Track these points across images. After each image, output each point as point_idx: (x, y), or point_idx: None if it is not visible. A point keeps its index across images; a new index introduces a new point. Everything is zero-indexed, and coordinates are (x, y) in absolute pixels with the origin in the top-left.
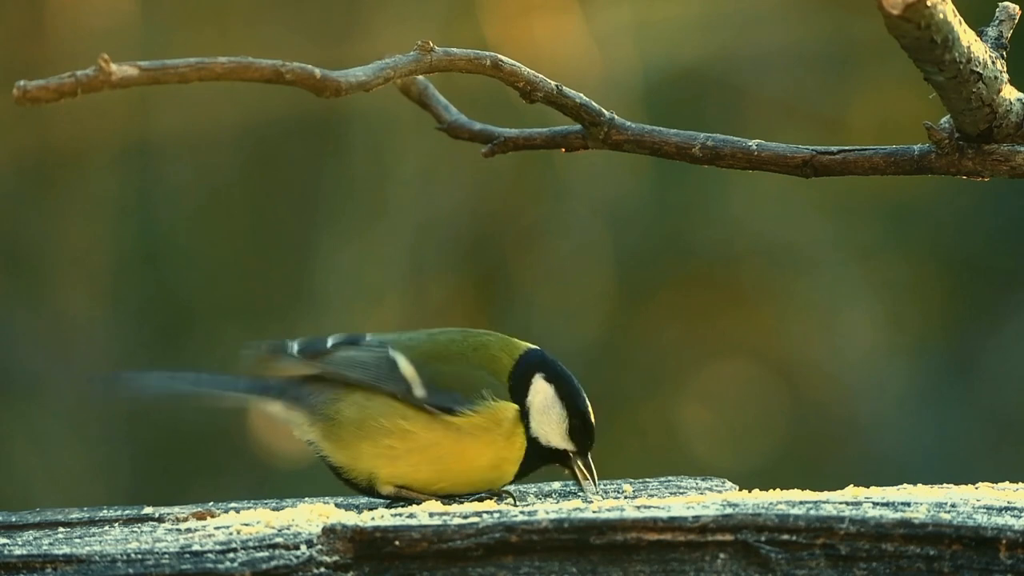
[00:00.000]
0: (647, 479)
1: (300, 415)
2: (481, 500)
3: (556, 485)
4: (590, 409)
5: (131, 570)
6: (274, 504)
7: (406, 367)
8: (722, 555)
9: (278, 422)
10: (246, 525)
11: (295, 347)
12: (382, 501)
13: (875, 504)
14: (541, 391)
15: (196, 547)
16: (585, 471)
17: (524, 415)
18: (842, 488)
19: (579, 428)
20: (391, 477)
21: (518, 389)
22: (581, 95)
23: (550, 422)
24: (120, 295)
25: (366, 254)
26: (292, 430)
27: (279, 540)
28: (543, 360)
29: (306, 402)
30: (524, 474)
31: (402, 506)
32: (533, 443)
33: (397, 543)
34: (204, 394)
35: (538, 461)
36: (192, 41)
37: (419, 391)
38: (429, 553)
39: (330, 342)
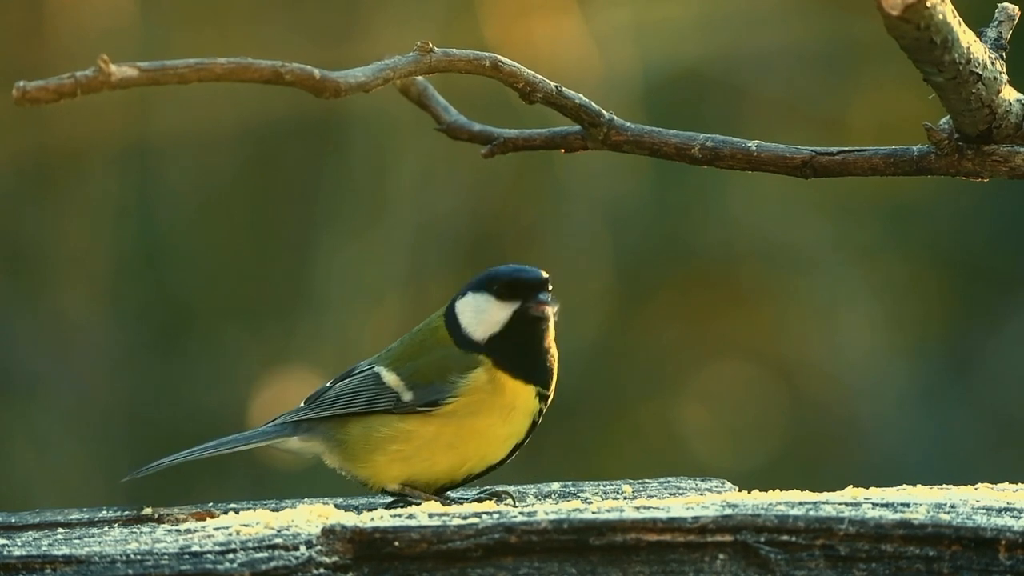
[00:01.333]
0: (647, 480)
1: (318, 446)
2: (480, 501)
3: (556, 486)
4: (509, 267)
5: (130, 571)
6: (274, 505)
7: (388, 377)
8: (722, 556)
9: (302, 456)
10: (245, 526)
11: (302, 403)
12: (382, 501)
13: (875, 505)
14: (464, 308)
15: (195, 548)
16: (537, 305)
17: (472, 344)
18: (842, 488)
19: (503, 289)
20: (410, 476)
21: (457, 334)
22: (580, 96)
23: (484, 314)
24: (120, 295)
25: (366, 254)
26: (323, 459)
27: (278, 541)
28: (453, 299)
29: (317, 433)
30: (536, 365)
31: (402, 506)
32: (497, 343)
33: (396, 544)
34: (228, 447)
35: (522, 345)
36: (192, 41)
37: (406, 396)
38: (428, 554)
39: (329, 383)
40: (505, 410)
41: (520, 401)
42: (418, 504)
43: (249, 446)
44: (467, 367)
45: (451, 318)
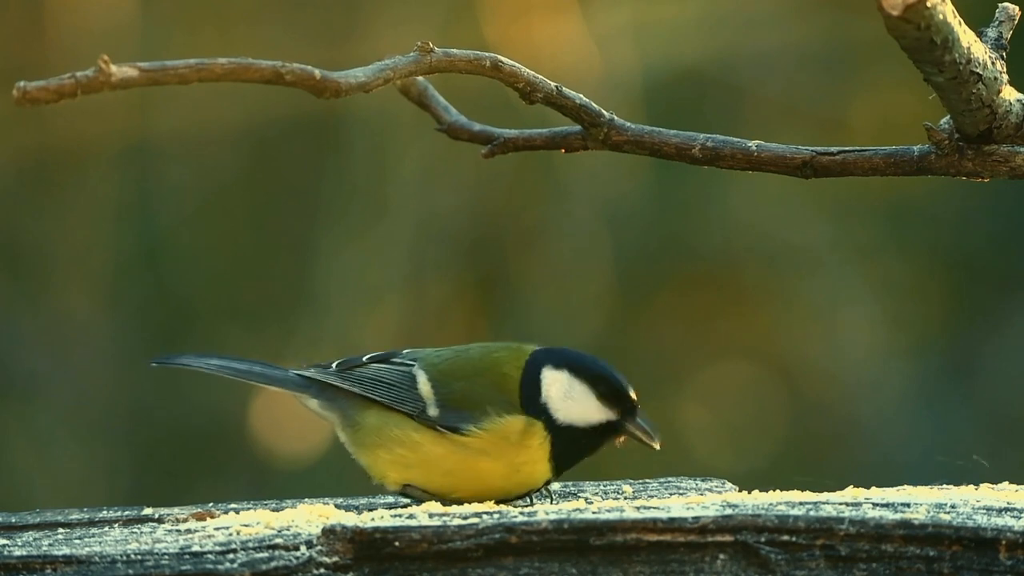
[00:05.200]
0: (647, 480)
1: (333, 416)
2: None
3: (556, 486)
4: (614, 371)
5: (131, 571)
6: (274, 505)
7: (424, 385)
8: (722, 556)
9: (317, 417)
10: (246, 526)
11: (334, 364)
12: (383, 501)
13: (875, 505)
14: (554, 381)
15: (196, 548)
16: (641, 430)
17: (544, 413)
18: (842, 488)
19: (609, 393)
20: (405, 482)
21: (531, 395)
22: (581, 96)
23: (576, 403)
24: (120, 295)
25: (366, 254)
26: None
27: (279, 541)
28: (547, 354)
29: (338, 405)
30: (570, 466)
31: (403, 506)
32: (569, 432)
33: (397, 544)
34: (252, 378)
35: (587, 447)
36: (192, 42)
37: (432, 411)
38: (429, 554)
39: (365, 357)
40: (513, 467)
41: (530, 471)
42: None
43: (272, 386)
44: (512, 411)
45: (531, 379)
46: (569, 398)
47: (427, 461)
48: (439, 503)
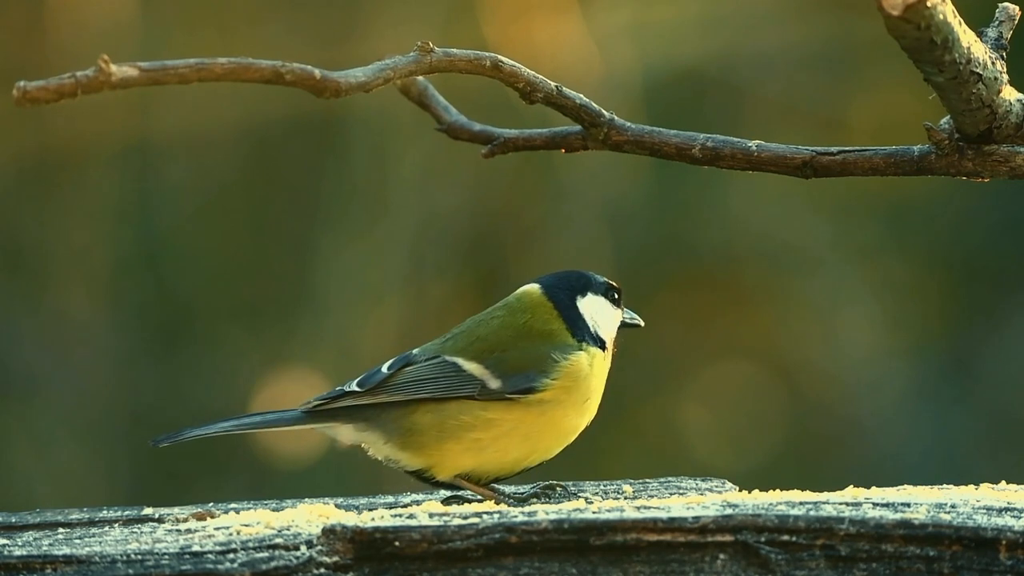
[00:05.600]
0: (647, 480)
1: (373, 435)
2: (537, 496)
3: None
4: (597, 275)
5: (131, 571)
6: (274, 505)
7: (470, 366)
8: (722, 556)
9: (347, 445)
10: (246, 526)
11: (353, 384)
12: (383, 501)
13: (875, 505)
14: (587, 307)
15: (196, 548)
16: (631, 318)
17: (597, 340)
18: (842, 488)
19: (616, 295)
20: (479, 466)
21: (581, 329)
22: (581, 96)
23: (605, 316)
24: (120, 295)
25: (366, 254)
26: (366, 450)
27: (279, 541)
28: (558, 286)
29: (376, 422)
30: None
31: (403, 506)
32: (605, 344)
33: (397, 544)
34: (269, 427)
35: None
36: (192, 42)
37: (493, 383)
38: (429, 554)
39: (385, 368)
40: (581, 401)
41: (597, 397)
42: (476, 501)
43: (293, 428)
44: (568, 352)
45: (572, 317)
46: (602, 315)
47: (503, 435)
48: (495, 500)
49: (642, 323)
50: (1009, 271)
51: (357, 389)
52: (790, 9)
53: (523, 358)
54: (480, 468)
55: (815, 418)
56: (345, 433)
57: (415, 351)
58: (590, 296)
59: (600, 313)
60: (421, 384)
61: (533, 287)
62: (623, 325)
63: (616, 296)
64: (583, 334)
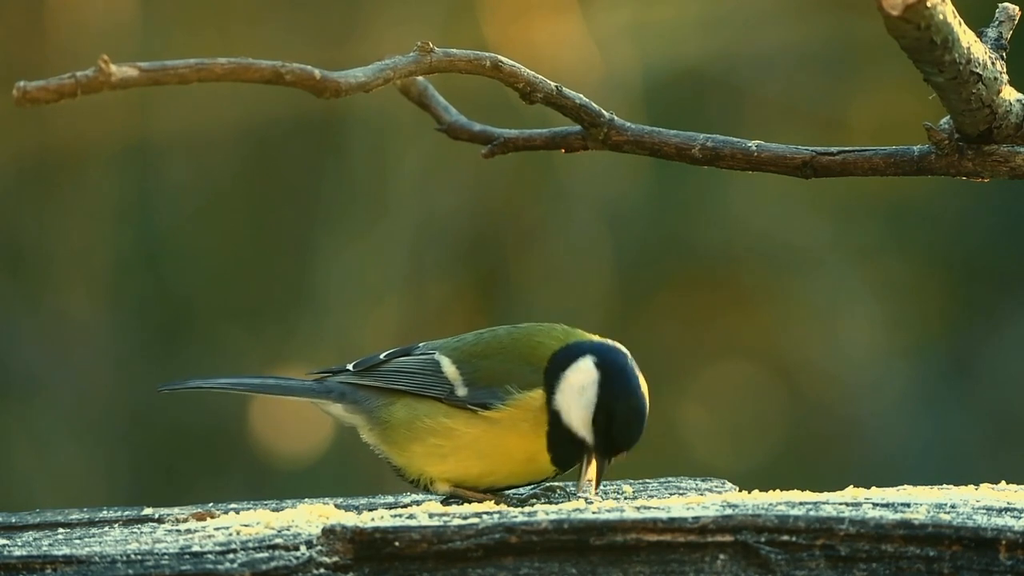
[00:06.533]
0: (647, 480)
1: (359, 418)
2: (537, 497)
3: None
4: (631, 414)
5: (131, 571)
6: (274, 505)
7: (449, 368)
8: (722, 556)
9: (341, 422)
10: (246, 526)
11: (350, 365)
12: (383, 501)
13: (875, 505)
14: (582, 371)
15: (196, 548)
16: (589, 469)
17: (552, 392)
18: (842, 488)
19: (603, 423)
20: (443, 475)
21: (555, 369)
22: (581, 96)
23: (576, 403)
24: (120, 295)
25: (366, 254)
26: (360, 434)
27: (279, 541)
28: (606, 349)
29: (363, 406)
30: (567, 461)
31: (403, 506)
32: (555, 418)
33: (397, 544)
34: (268, 391)
35: (569, 445)
36: (192, 42)
37: (461, 391)
38: (429, 554)
39: (383, 355)
40: (534, 443)
41: (543, 444)
42: (471, 502)
43: (290, 396)
44: (530, 386)
45: (566, 357)
46: (577, 394)
47: (461, 446)
48: (440, 503)
49: (582, 493)
50: (1009, 271)
51: (351, 370)
52: (790, 9)
53: (492, 373)
54: (443, 477)
55: (815, 418)
56: (337, 412)
57: (421, 344)
58: (598, 373)
59: (580, 385)
60: (400, 375)
61: (589, 336)
62: (578, 445)
63: (600, 416)
64: (554, 375)
